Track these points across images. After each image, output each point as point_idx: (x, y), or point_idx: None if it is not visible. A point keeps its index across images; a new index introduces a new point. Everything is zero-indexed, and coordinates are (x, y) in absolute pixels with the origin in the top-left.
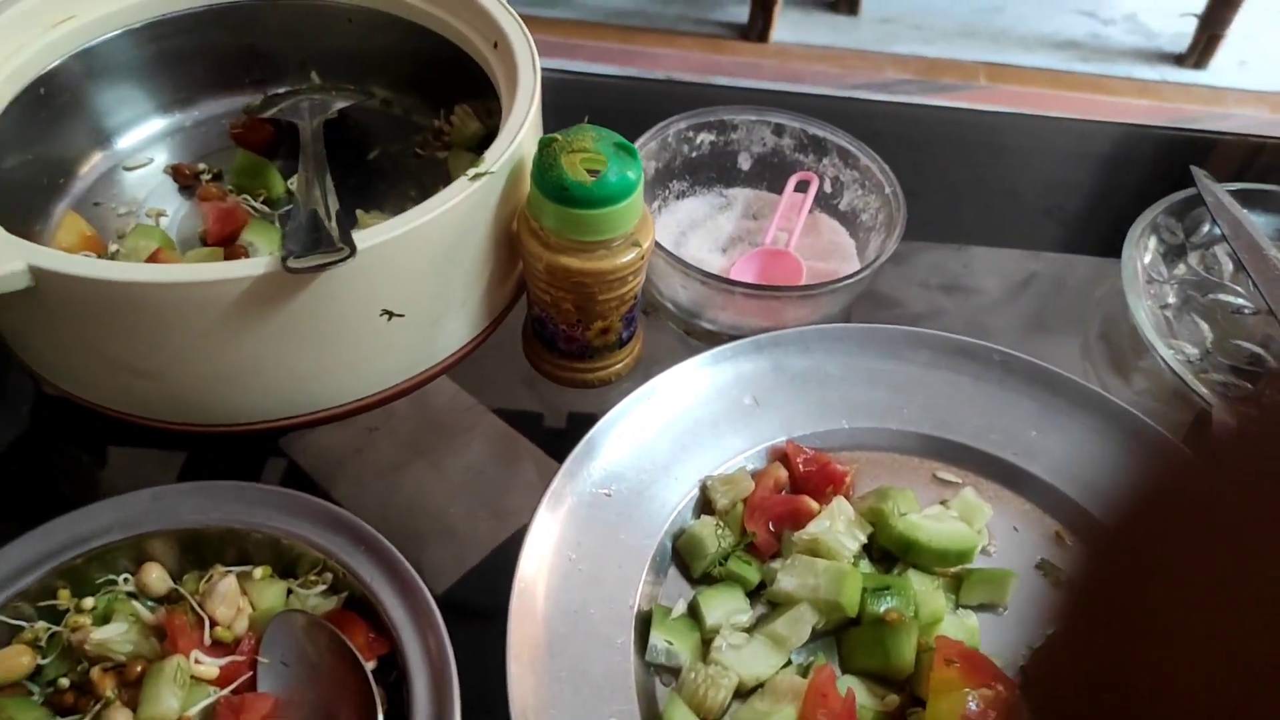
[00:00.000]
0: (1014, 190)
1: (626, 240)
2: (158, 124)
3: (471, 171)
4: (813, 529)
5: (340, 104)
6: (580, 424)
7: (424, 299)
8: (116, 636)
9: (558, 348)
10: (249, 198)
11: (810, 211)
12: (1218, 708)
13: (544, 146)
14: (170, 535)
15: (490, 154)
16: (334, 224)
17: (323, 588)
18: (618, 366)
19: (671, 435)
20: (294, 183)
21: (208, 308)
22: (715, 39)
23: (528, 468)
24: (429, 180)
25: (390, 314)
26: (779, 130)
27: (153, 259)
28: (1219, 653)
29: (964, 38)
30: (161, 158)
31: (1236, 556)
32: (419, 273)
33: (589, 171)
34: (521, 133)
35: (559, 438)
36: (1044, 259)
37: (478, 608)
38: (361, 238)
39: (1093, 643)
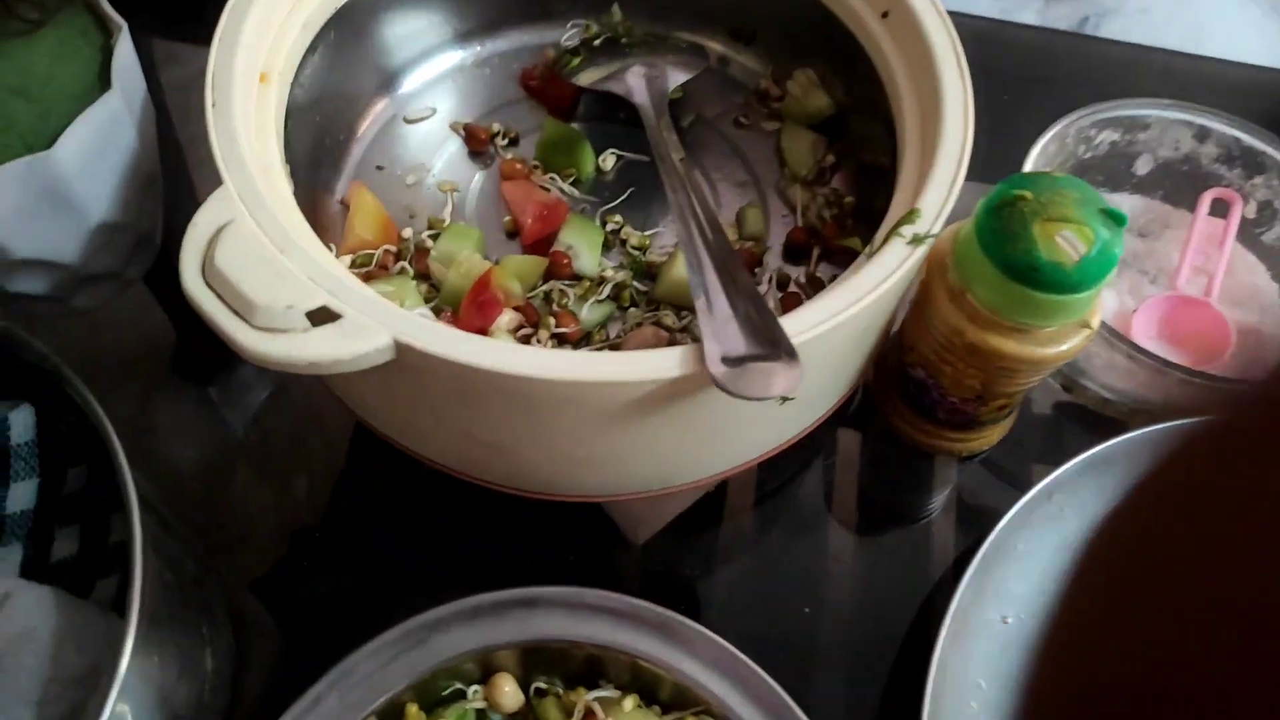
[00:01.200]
0: None
1: (1078, 323)
2: (440, 63)
3: (909, 232)
4: None
5: (679, 76)
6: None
7: (821, 379)
8: None
9: (935, 416)
10: (557, 177)
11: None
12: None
13: (1005, 205)
14: (518, 644)
15: (928, 208)
16: (764, 319)
17: None
18: (993, 436)
19: (1063, 548)
20: (607, 160)
21: (591, 406)
22: None
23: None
24: (757, 161)
25: (785, 399)
26: (1202, 135)
27: (481, 285)
28: (1234, 639)
29: None
30: (444, 106)
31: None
32: (830, 356)
33: (1069, 243)
34: (959, 178)
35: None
36: None
37: None
38: (791, 329)
39: (1092, 639)
